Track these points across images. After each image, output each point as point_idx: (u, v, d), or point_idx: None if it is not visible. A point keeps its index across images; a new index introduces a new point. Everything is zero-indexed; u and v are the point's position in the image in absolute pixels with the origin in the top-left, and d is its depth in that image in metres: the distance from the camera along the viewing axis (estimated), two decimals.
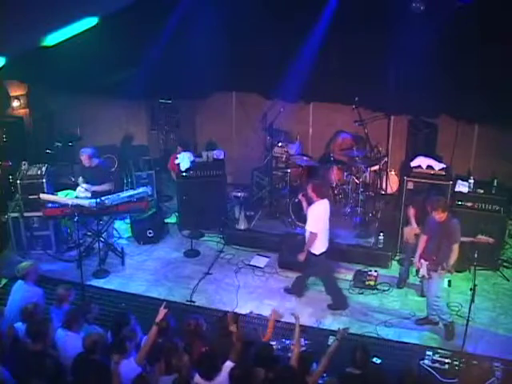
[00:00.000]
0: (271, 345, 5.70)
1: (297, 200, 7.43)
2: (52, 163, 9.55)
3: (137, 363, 5.30)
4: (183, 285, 8.11)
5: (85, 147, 8.70)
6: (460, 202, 8.15)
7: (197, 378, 5.11)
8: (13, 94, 10.48)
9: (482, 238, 7.68)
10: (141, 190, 8.49)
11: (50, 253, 8.74)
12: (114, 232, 9.12)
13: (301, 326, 5.79)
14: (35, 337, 5.37)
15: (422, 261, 6.87)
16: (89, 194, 8.41)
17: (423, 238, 6.98)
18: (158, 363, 5.17)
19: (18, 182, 8.52)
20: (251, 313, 7.47)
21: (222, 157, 9.50)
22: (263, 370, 5.09)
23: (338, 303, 7.59)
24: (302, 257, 7.32)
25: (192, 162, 9.21)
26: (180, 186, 9.34)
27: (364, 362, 5.24)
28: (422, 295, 7.56)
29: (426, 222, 7.00)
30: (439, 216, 6.65)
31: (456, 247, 6.68)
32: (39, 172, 8.68)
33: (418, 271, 7.28)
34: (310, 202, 7.36)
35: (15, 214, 8.59)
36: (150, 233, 9.11)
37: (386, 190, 9.52)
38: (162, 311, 5.63)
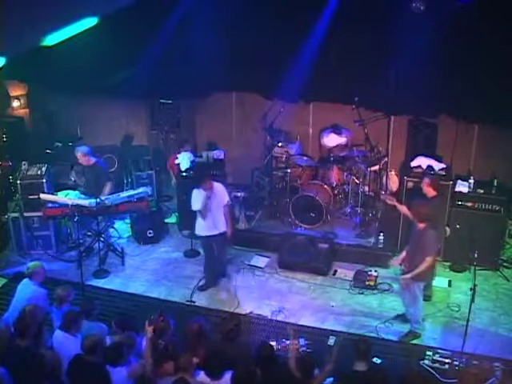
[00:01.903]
0: (271, 345, 5.70)
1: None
2: (52, 163, 9.55)
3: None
4: (183, 285, 8.10)
5: (79, 147, 8.70)
6: (460, 202, 8.16)
7: (202, 377, 5.11)
8: (13, 94, 10.48)
9: (387, 196, 7.71)
10: (141, 190, 8.48)
11: (50, 253, 8.74)
12: (114, 232, 9.12)
13: (301, 326, 5.81)
14: (22, 332, 5.35)
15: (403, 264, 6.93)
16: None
17: (409, 245, 7.02)
18: (165, 364, 5.12)
19: (18, 182, 8.53)
20: (251, 313, 7.47)
21: (222, 157, 9.50)
22: (260, 371, 5.09)
23: (210, 283, 8.03)
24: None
25: (192, 162, 9.21)
26: (180, 185, 9.34)
27: (367, 352, 5.23)
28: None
29: (412, 228, 6.99)
30: (418, 224, 6.64)
31: (428, 260, 6.53)
32: (39, 172, 8.68)
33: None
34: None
35: (15, 214, 8.59)
36: (149, 233, 9.11)
37: (386, 190, 9.51)
38: (149, 329, 5.44)
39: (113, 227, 9.19)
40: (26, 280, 6.46)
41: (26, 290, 6.33)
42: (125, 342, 5.38)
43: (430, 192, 7.30)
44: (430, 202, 7.21)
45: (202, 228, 7.76)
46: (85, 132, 10.72)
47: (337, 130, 9.56)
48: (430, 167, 8.42)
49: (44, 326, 5.85)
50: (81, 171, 8.82)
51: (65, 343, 5.55)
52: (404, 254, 7.00)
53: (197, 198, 7.58)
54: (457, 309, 7.43)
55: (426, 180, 7.38)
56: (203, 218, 7.65)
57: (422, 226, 6.60)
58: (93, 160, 8.55)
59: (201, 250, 8.88)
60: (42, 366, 4.98)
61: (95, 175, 8.55)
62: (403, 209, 7.32)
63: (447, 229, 8.00)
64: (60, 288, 6.30)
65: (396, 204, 7.46)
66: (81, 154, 8.47)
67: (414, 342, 6.93)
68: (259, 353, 5.26)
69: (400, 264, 7.05)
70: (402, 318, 7.23)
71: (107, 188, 8.45)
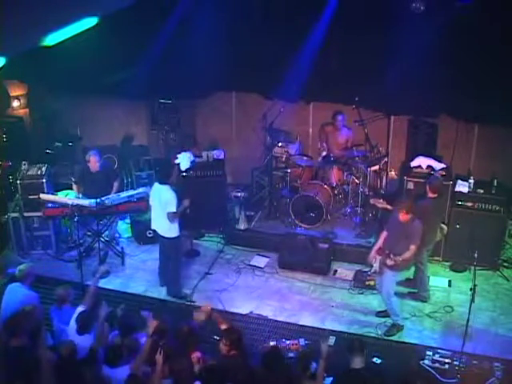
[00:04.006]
0: (277, 347, 5.69)
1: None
2: (52, 163, 9.55)
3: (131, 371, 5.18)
4: (183, 285, 8.09)
5: (93, 150, 8.64)
6: (460, 202, 8.16)
7: None
8: (13, 94, 10.46)
9: (376, 200, 7.80)
10: (141, 190, 8.49)
11: (50, 253, 8.75)
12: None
13: (302, 326, 5.80)
14: (13, 330, 5.31)
15: (377, 256, 6.91)
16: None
17: (383, 234, 7.05)
18: (163, 366, 5.11)
19: (18, 182, 8.53)
20: (251, 313, 7.47)
21: (221, 157, 9.49)
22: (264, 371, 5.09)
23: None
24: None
25: (192, 162, 9.21)
26: (180, 186, 9.31)
27: (362, 349, 5.24)
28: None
29: (390, 218, 7.04)
30: (402, 217, 6.67)
31: (413, 248, 6.65)
32: (39, 172, 8.68)
33: (371, 267, 7.23)
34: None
35: (15, 214, 8.59)
36: (149, 233, 9.09)
37: (386, 190, 9.50)
38: (152, 324, 5.46)
39: (115, 228, 9.18)
40: (14, 285, 6.34)
41: (17, 294, 6.21)
42: (128, 345, 5.36)
43: (429, 192, 7.33)
44: (427, 200, 7.28)
45: (177, 227, 7.53)
46: (85, 132, 10.72)
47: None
48: (429, 167, 8.42)
49: (43, 327, 5.83)
50: (86, 174, 8.68)
51: (81, 343, 5.49)
52: (377, 246, 7.02)
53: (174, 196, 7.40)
54: (450, 309, 7.44)
55: (429, 180, 7.47)
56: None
57: (407, 216, 6.65)
58: (99, 165, 8.56)
59: (200, 250, 8.91)
60: (36, 366, 4.96)
61: (102, 177, 8.55)
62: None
63: (444, 226, 8.00)
64: (60, 288, 6.28)
65: (387, 207, 7.50)
66: (96, 157, 8.46)
67: (414, 341, 6.93)
68: (265, 353, 5.26)
69: (375, 258, 6.99)
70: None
71: (116, 186, 8.56)
